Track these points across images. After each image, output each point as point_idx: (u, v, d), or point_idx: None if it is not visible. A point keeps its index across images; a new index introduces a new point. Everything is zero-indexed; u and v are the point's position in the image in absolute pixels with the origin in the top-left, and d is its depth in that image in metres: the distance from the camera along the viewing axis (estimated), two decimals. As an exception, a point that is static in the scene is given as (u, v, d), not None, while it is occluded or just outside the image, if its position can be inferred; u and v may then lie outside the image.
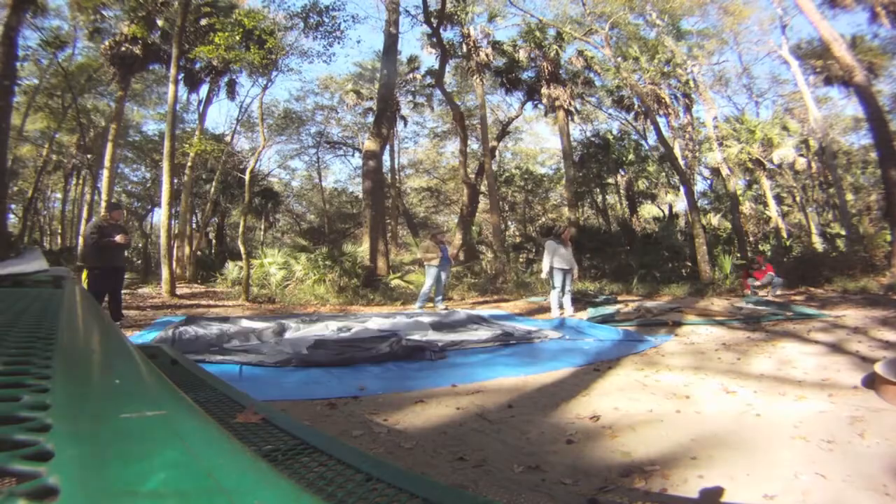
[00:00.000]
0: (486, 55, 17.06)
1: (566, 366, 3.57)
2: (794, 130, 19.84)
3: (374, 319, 6.00)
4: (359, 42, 34.26)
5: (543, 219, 25.64)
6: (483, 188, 19.07)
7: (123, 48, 14.61)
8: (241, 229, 10.25)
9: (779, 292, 8.50)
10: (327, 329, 5.19)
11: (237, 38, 10.16)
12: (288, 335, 4.77)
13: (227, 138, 20.49)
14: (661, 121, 18.67)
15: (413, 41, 39.34)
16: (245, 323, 5.65)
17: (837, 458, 1.86)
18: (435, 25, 12.72)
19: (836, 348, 3.90)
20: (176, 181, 15.66)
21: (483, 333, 4.90)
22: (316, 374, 3.43)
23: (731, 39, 20.86)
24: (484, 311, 7.42)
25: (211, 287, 12.68)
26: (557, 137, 20.67)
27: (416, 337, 4.62)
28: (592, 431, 2.25)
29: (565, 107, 17.65)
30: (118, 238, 5.41)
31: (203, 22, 14.37)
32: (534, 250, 17.72)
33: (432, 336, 4.78)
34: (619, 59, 16.37)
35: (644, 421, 2.36)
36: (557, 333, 4.91)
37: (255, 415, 0.68)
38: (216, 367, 3.47)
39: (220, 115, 63.71)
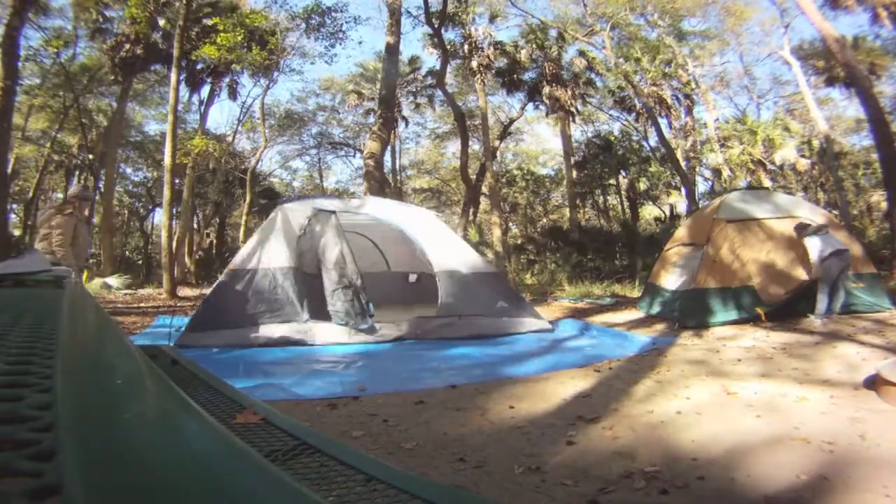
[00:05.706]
0: (488, 56, 17.04)
1: (567, 367, 3.57)
2: (795, 131, 19.80)
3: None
4: (360, 43, 34.04)
5: (545, 220, 25.63)
6: (484, 189, 19.06)
7: (125, 49, 14.64)
8: (242, 230, 10.28)
9: None
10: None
11: (239, 38, 10.19)
12: None
13: (229, 139, 20.50)
14: (663, 122, 18.66)
15: (414, 42, 39.12)
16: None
17: (838, 459, 1.86)
18: (436, 26, 12.71)
19: (838, 349, 3.89)
20: (177, 181, 15.68)
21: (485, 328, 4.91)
22: (317, 374, 3.45)
23: (732, 40, 20.84)
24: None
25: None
26: (559, 138, 20.70)
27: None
28: (593, 432, 2.25)
29: (567, 107, 17.64)
30: None
31: (207, 22, 14.39)
32: (535, 251, 17.72)
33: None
34: (621, 60, 16.37)
35: (644, 422, 2.36)
36: (559, 334, 4.91)
37: (255, 415, 0.68)
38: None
39: (222, 116, 63.63)
